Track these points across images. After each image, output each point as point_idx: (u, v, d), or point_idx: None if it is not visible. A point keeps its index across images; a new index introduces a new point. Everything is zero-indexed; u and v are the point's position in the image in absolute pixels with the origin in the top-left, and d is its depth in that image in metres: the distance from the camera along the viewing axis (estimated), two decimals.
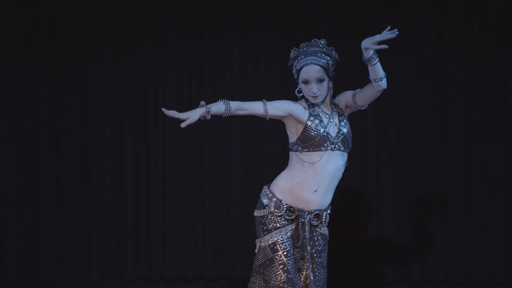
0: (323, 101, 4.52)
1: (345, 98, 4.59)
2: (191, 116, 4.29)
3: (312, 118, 4.47)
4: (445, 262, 7.08)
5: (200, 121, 7.23)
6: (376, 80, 4.39)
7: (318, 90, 4.45)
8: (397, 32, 4.28)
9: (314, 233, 4.51)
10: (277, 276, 4.43)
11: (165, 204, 7.22)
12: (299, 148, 4.49)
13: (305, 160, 4.47)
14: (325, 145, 4.46)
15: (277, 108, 4.45)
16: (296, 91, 4.53)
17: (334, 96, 4.58)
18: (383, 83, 4.42)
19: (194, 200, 7.21)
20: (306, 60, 4.47)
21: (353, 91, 4.56)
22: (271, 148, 7.14)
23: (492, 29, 7.06)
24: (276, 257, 4.45)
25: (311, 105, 4.52)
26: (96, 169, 7.20)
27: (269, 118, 4.47)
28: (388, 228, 7.11)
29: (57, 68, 7.20)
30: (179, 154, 7.21)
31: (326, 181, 4.48)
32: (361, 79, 7.09)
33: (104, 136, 7.20)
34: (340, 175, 4.53)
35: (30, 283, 7.24)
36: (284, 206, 4.46)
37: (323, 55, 4.49)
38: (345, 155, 4.54)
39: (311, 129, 4.46)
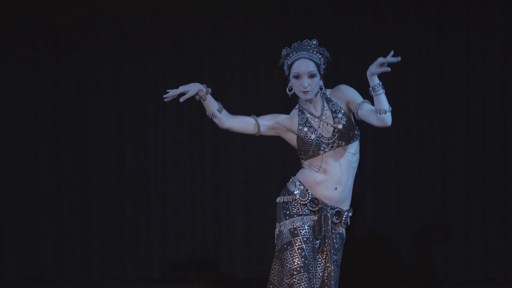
0: (312, 101, 4.52)
1: (347, 98, 4.52)
2: (190, 90, 4.45)
3: (300, 127, 4.51)
4: (445, 262, 7.08)
5: (199, 120, 7.24)
6: (379, 112, 4.28)
7: (309, 85, 4.45)
8: (400, 58, 4.23)
9: (333, 231, 4.53)
10: (294, 260, 4.45)
11: (165, 204, 7.21)
12: (302, 157, 4.55)
13: (311, 167, 4.53)
14: (322, 148, 4.48)
15: (265, 118, 4.54)
16: (287, 89, 4.54)
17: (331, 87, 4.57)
18: (387, 118, 4.29)
19: (194, 200, 7.21)
20: (298, 55, 4.48)
21: (360, 101, 4.44)
22: (271, 149, 7.14)
23: (492, 30, 7.05)
24: (296, 241, 4.47)
25: (300, 112, 4.53)
26: (96, 169, 7.19)
27: (260, 135, 4.57)
28: (388, 228, 7.11)
29: (57, 72, 7.20)
30: (179, 154, 7.21)
31: (342, 177, 4.51)
32: (361, 82, 7.11)
33: (104, 136, 7.20)
34: (354, 165, 4.54)
35: (30, 283, 7.24)
36: (310, 196, 4.50)
37: (315, 52, 4.50)
38: (351, 146, 4.52)
39: (302, 138, 4.50)
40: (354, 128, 4.51)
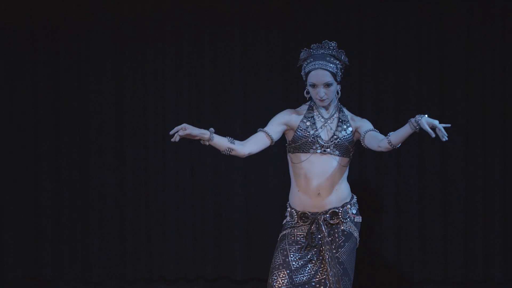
0: (328, 105, 4.56)
1: (359, 124, 4.63)
2: (192, 131, 4.36)
3: (304, 120, 4.55)
4: (445, 262, 7.08)
5: (199, 119, 7.23)
6: (389, 143, 4.39)
7: (325, 94, 4.51)
8: (446, 138, 4.25)
9: (336, 230, 4.55)
10: (275, 260, 4.53)
11: (165, 204, 7.21)
12: (291, 148, 4.61)
13: (294, 161, 4.57)
14: (314, 147, 4.52)
15: (277, 131, 4.59)
16: (304, 92, 4.60)
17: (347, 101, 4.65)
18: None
19: (194, 200, 7.21)
20: (314, 64, 4.51)
21: (366, 131, 4.56)
22: (272, 148, 7.12)
23: (492, 31, 7.05)
24: (281, 245, 4.56)
25: (310, 108, 4.57)
26: (96, 168, 7.19)
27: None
28: (388, 228, 7.10)
29: (57, 76, 7.19)
30: (179, 154, 7.21)
31: (324, 182, 4.51)
32: (361, 81, 7.13)
33: (104, 136, 7.20)
34: (337, 176, 4.54)
35: (30, 283, 7.24)
36: (295, 216, 4.60)
37: (332, 58, 4.53)
38: (343, 160, 4.57)
39: (300, 130, 4.56)
40: (353, 146, 4.57)
